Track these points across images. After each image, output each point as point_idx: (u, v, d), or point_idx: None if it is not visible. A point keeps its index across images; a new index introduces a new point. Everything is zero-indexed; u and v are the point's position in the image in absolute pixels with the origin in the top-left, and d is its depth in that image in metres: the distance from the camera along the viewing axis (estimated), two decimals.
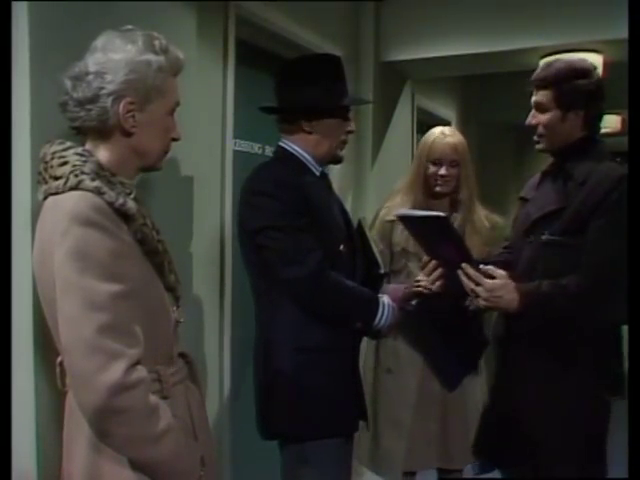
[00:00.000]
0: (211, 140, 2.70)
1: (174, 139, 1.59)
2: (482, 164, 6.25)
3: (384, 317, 2.14)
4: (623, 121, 6.14)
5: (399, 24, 3.88)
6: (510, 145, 6.85)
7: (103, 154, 1.49)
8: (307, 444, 2.09)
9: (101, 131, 1.48)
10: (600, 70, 3.93)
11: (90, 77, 1.44)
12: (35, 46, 1.62)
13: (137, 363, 1.35)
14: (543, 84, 2.16)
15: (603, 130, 6.57)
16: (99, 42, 1.49)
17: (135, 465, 1.39)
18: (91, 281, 1.33)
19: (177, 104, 1.57)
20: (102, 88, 1.44)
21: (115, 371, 1.30)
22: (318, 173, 2.22)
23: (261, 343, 2.19)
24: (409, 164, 4.66)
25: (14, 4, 1.58)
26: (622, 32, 2.26)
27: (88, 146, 1.50)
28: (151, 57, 1.48)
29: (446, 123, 5.55)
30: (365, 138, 3.88)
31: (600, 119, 2.24)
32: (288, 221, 2.05)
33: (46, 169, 1.44)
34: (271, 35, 3.10)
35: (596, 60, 3.85)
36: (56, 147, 1.46)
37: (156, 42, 1.50)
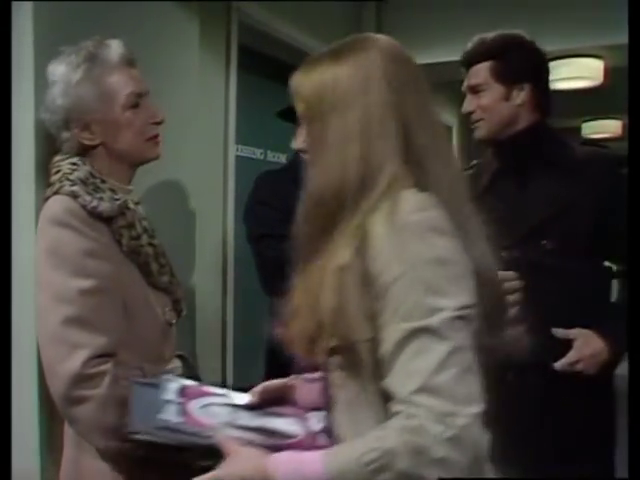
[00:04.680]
0: (213, 145, 2.71)
1: (156, 123, 1.60)
2: None
3: None
4: (624, 126, 6.16)
5: (400, 30, 3.89)
6: None
7: (94, 164, 1.55)
8: None
9: (81, 150, 1.55)
10: (601, 74, 3.94)
11: (47, 114, 1.55)
12: (39, 49, 1.63)
13: (104, 355, 1.39)
14: (478, 59, 1.87)
15: (604, 135, 6.55)
16: (47, 74, 1.55)
17: (109, 456, 1.42)
18: (61, 277, 1.40)
19: (134, 95, 1.55)
20: (54, 121, 1.54)
21: (75, 361, 1.36)
22: None
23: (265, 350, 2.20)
24: None
25: (19, 7, 1.60)
26: (623, 37, 2.26)
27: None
28: (71, 75, 1.51)
29: (447, 128, 5.57)
30: None
31: (548, 97, 1.90)
32: (283, 230, 2.04)
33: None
34: (273, 41, 3.11)
35: (597, 65, 3.86)
36: (57, 158, 1.54)
37: (73, 57, 1.52)
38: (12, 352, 1.55)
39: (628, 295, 1.58)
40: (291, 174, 2.17)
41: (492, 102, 1.85)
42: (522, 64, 1.84)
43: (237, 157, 2.91)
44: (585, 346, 1.72)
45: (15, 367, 1.59)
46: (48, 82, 1.54)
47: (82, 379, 1.36)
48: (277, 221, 2.05)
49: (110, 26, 1.74)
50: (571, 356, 1.71)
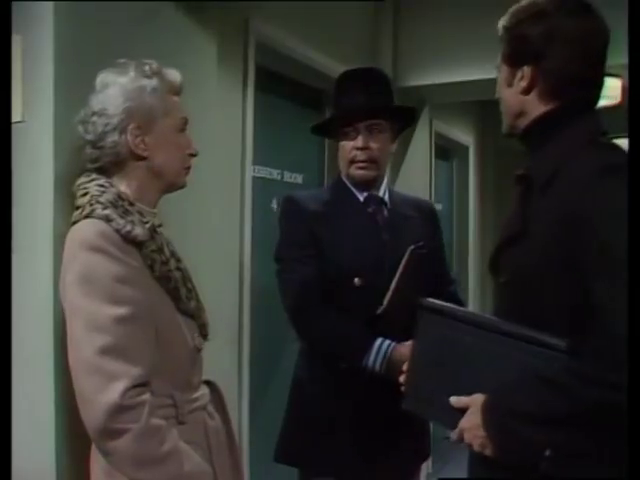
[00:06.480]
0: (230, 166, 2.72)
1: (192, 155, 1.63)
2: (500, 189, 6.23)
3: (379, 359, 1.90)
4: (624, 89, 4.28)
5: (416, 49, 3.90)
6: None
7: (124, 184, 1.54)
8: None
9: (118, 163, 1.53)
10: (619, 93, 3.91)
11: (95, 117, 1.51)
12: (59, 67, 1.64)
13: (141, 385, 1.37)
14: (502, 33, 1.48)
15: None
16: (97, 82, 1.54)
17: None
18: (94, 304, 1.37)
19: (184, 121, 1.60)
20: (107, 124, 1.50)
21: (113, 392, 1.33)
22: (362, 198, 2.11)
23: None
24: (427, 189, 4.68)
25: (40, 28, 1.62)
26: None
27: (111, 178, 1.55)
28: (144, 82, 1.53)
29: (464, 148, 5.56)
30: None
31: (563, 82, 1.40)
32: (288, 253, 2.07)
33: (75, 200, 1.50)
34: (291, 61, 3.12)
35: (615, 84, 3.84)
36: (82, 179, 1.52)
37: (146, 67, 1.55)
38: (29, 360, 1.58)
39: (629, 296, 1.17)
40: (312, 194, 2.17)
41: (498, 88, 1.51)
42: (522, 40, 1.41)
43: (254, 178, 2.91)
44: (467, 416, 1.34)
45: (34, 392, 1.59)
46: (95, 89, 1.53)
47: (121, 411, 1.32)
48: (284, 245, 2.08)
49: (128, 45, 1.75)
50: (460, 425, 1.35)
